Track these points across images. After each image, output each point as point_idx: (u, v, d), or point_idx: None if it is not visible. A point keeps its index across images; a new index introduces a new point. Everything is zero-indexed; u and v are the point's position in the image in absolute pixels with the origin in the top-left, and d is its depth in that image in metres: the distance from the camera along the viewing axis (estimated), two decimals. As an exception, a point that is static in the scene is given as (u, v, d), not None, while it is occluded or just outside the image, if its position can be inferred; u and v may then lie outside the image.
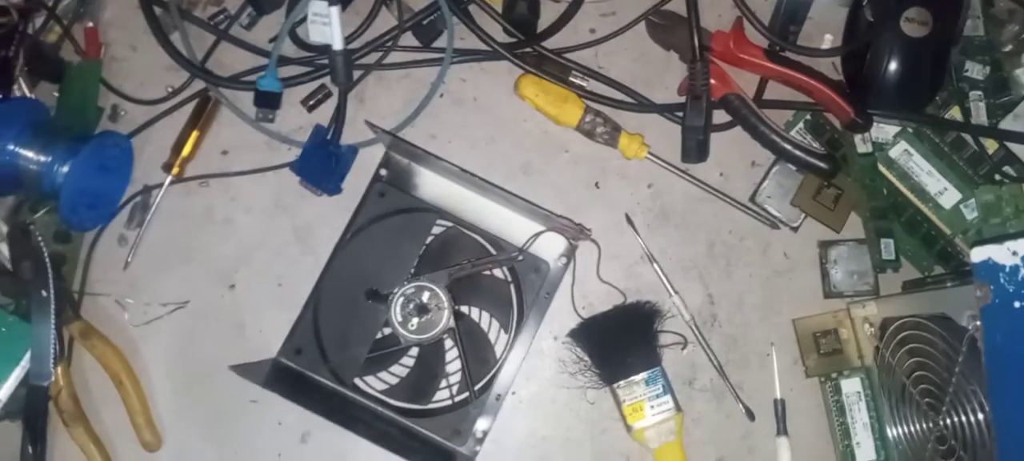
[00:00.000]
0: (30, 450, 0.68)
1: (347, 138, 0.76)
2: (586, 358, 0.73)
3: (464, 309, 0.73)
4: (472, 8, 0.77)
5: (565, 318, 0.74)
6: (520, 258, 0.73)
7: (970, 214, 0.75)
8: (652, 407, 0.71)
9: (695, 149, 0.75)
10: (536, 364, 0.74)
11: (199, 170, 0.76)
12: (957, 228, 0.75)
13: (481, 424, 0.72)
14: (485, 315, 0.74)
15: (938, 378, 0.63)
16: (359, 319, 0.72)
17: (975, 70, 0.76)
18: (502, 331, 0.74)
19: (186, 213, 0.75)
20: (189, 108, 0.76)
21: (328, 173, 0.74)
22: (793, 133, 0.76)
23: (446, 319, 0.69)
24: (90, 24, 0.76)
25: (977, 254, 0.58)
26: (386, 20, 0.77)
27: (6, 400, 0.68)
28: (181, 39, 0.76)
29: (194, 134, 0.75)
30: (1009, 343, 0.56)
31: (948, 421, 0.62)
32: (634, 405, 0.71)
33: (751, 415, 0.74)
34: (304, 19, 0.74)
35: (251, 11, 0.77)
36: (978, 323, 0.58)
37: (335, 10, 0.72)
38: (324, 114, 0.77)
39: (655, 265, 0.75)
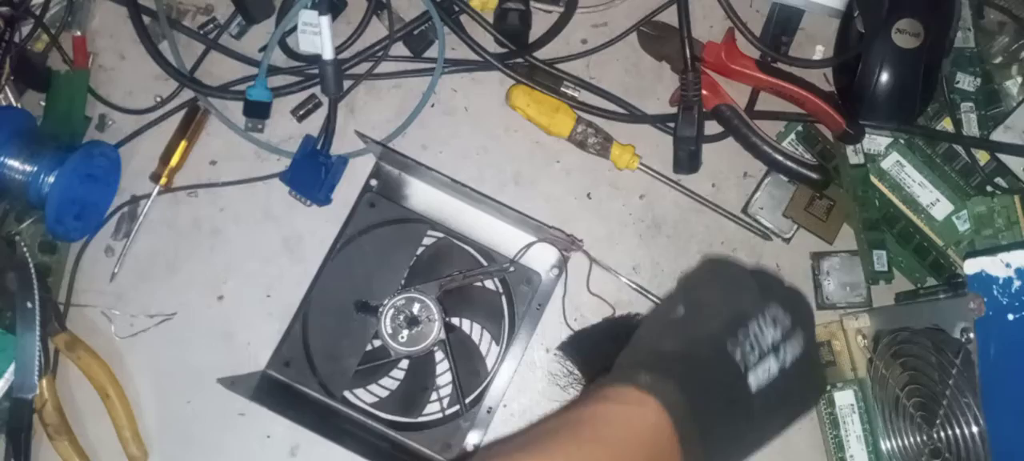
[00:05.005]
0: (13, 464, 0.67)
1: (337, 148, 0.75)
2: (576, 371, 0.72)
3: (455, 321, 0.73)
4: (463, 18, 0.77)
5: (557, 330, 0.74)
6: (511, 269, 0.72)
7: (962, 226, 0.75)
8: (644, 420, 0.70)
9: (687, 160, 0.74)
10: (528, 376, 0.74)
11: (187, 180, 0.75)
12: (949, 240, 0.75)
13: (472, 437, 0.71)
14: (476, 327, 0.73)
15: (932, 391, 0.63)
16: (349, 331, 0.72)
17: (966, 81, 0.76)
18: (493, 343, 0.73)
19: (174, 224, 0.75)
20: (177, 118, 0.75)
21: (318, 183, 0.73)
22: (785, 144, 0.76)
23: (437, 331, 0.68)
24: (78, 33, 0.75)
25: (970, 266, 0.58)
26: (377, 30, 0.77)
27: (-11, 413, 0.67)
28: (170, 48, 0.75)
29: (182, 144, 0.74)
30: (1003, 355, 0.56)
31: (942, 434, 0.62)
32: (626, 418, 0.70)
33: (744, 428, 0.73)
34: (294, 29, 0.73)
35: (240, 20, 0.77)
36: (971, 335, 0.57)
37: (325, 20, 0.71)
38: (314, 124, 0.76)
39: (632, 282, 0.74)
